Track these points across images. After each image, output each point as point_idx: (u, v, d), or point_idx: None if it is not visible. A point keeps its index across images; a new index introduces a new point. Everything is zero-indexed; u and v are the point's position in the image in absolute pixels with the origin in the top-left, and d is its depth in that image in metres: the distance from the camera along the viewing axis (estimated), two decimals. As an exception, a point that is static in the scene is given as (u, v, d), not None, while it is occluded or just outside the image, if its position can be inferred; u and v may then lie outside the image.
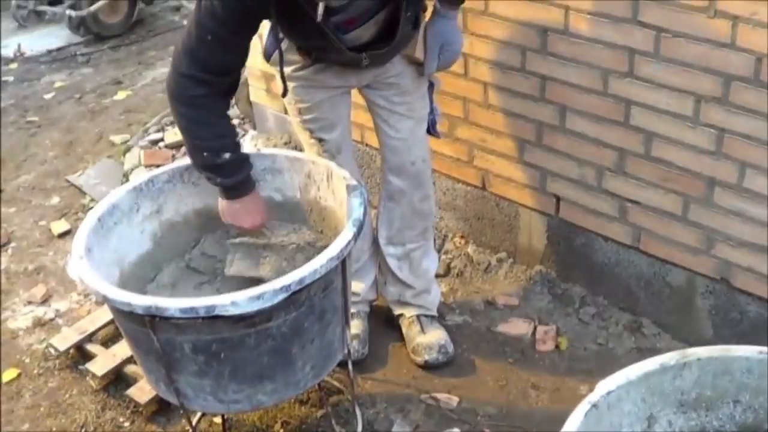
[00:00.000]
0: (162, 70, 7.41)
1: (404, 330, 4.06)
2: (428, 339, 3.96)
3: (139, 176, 3.56)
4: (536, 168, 4.13)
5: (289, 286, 2.72)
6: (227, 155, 3.13)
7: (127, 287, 3.00)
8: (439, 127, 3.77)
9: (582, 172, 3.95)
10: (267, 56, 3.45)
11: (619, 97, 3.67)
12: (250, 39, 3.09)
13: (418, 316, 4.03)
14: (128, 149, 5.96)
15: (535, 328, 4.11)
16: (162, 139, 5.99)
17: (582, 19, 3.63)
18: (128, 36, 8.44)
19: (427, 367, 3.93)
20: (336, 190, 3.28)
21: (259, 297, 2.68)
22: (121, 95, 7.10)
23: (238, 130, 5.57)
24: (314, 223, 3.42)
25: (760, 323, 3.66)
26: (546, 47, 3.80)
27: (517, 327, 4.14)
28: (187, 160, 3.35)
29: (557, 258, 4.30)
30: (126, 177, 5.54)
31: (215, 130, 3.14)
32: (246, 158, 3.23)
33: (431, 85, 3.65)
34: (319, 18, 2.91)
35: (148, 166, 5.56)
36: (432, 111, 3.69)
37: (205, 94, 3.05)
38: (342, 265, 2.95)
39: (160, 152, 5.81)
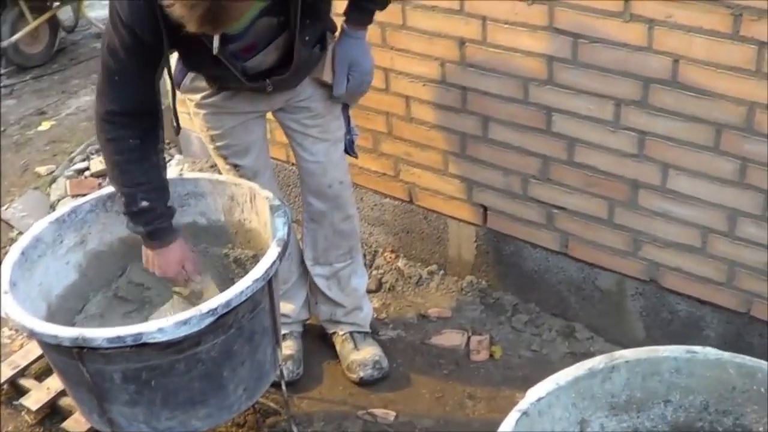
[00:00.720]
0: (85, 98, 7.34)
1: (338, 348, 4.04)
2: (362, 355, 3.95)
3: (63, 207, 3.52)
4: (462, 179, 4.14)
5: (216, 309, 2.70)
6: (144, 204, 3.07)
7: (55, 320, 2.98)
8: (358, 144, 3.75)
9: (507, 181, 3.97)
10: (177, 84, 3.42)
11: (540, 105, 3.69)
12: (156, 73, 3.03)
13: (351, 333, 4.02)
14: (54, 180, 5.89)
15: (468, 339, 4.11)
16: (87, 168, 5.94)
17: (499, 29, 3.65)
18: (51, 65, 8.33)
19: (363, 383, 3.92)
20: (260, 211, 3.27)
21: (185, 322, 2.66)
22: (45, 126, 7.01)
23: (165, 155, 5.55)
24: (240, 245, 3.40)
25: (691, 322, 3.70)
26: (465, 58, 3.81)
27: (450, 338, 4.14)
28: (109, 189, 3.33)
29: (487, 267, 4.31)
30: (53, 208, 5.47)
31: (133, 177, 3.07)
32: (164, 209, 3.16)
33: (346, 106, 3.62)
34: (215, 51, 2.87)
35: (74, 196, 5.50)
36: (349, 131, 3.66)
37: (122, 137, 3.02)
38: (268, 285, 2.94)
39: (86, 181, 5.75)
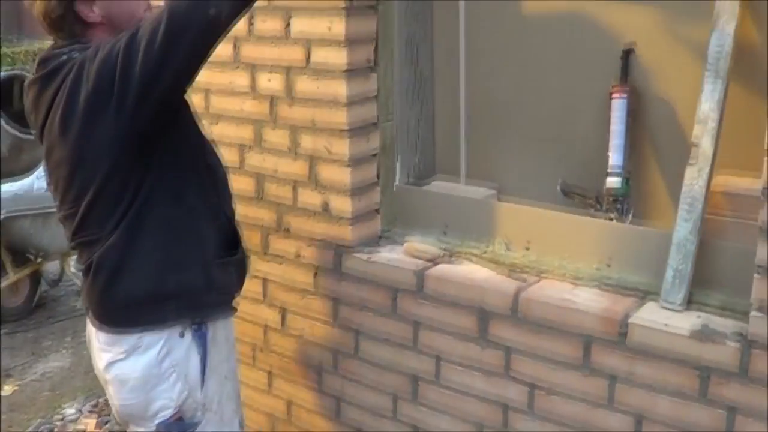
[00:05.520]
0: (54, 363, 7.10)
1: None
2: None
3: None
4: None
5: None
6: None
7: None
8: None
9: None
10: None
11: (494, 452, 3.51)
12: None
13: None
14: (3, 458, 5.72)
15: None
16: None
17: (453, 369, 3.49)
18: (27, 321, 8.08)
19: None
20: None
21: None
22: (7, 389, 6.75)
23: None
24: None
25: None
26: (416, 396, 3.64)
27: None
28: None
29: None
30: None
31: None
32: None
33: None
34: None
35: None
36: None
37: None
38: None
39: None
